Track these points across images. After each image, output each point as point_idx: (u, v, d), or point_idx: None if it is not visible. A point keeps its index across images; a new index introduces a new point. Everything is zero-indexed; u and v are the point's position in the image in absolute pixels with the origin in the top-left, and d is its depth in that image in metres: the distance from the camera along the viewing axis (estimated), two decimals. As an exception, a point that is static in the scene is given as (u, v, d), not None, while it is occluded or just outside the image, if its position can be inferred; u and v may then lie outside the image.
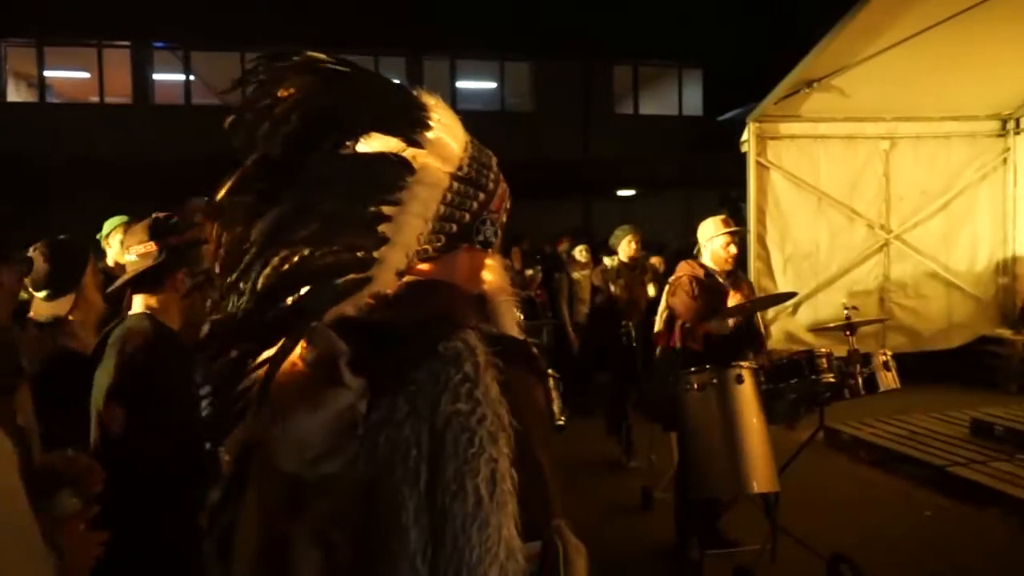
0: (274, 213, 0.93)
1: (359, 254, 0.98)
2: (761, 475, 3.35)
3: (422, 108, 1.05)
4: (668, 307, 4.04)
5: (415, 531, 0.86)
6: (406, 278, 1.05)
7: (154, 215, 2.18)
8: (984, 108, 7.75)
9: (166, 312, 2.09)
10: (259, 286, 0.94)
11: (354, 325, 0.96)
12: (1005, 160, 7.95)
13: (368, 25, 14.40)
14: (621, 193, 17.06)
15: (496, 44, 16.14)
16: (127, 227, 4.01)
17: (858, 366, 3.60)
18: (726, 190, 11.35)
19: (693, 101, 18.31)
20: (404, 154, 1.02)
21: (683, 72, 18.30)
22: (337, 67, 0.99)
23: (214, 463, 1.96)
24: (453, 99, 16.55)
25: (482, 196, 1.10)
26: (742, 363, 3.47)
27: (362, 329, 0.95)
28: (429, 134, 1.04)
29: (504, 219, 1.16)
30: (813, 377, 3.53)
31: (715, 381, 3.42)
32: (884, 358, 3.70)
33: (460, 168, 1.08)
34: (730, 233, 3.97)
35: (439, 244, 1.07)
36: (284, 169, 0.95)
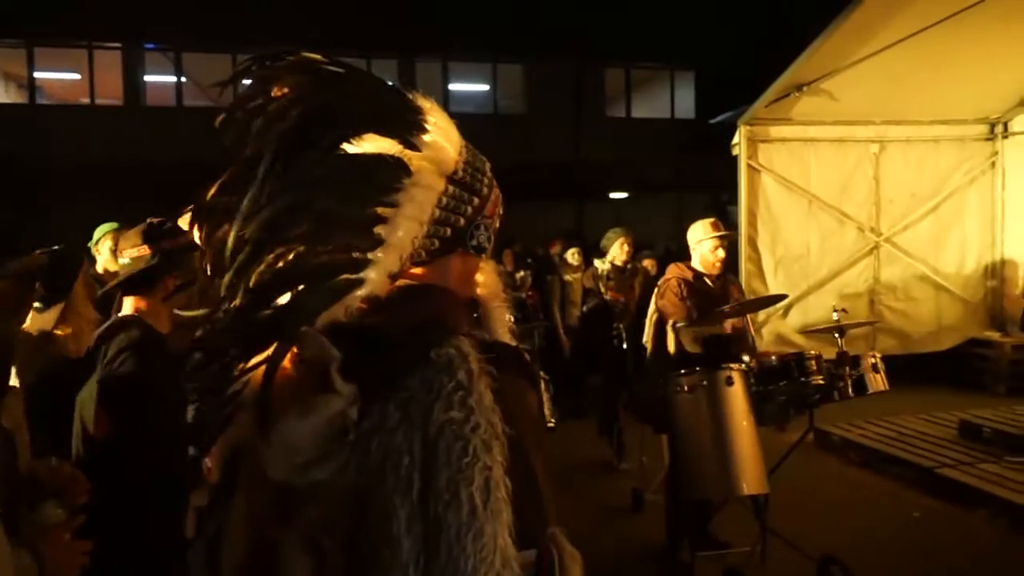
0: (269, 210, 0.92)
1: (354, 255, 0.97)
2: (751, 477, 3.36)
3: (418, 111, 1.05)
4: (657, 310, 4.06)
5: (407, 540, 0.86)
6: (399, 281, 1.05)
7: (149, 220, 2.18)
8: (972, 112, 7.82)
9: (155, 316, 2.09)
10: (252, 283, 0.93)
11: (346, 330, 0.95)
12: (993, 164, 8.02)
13: (361, 26, 14.39)
14: (613, 195, 17.12)
15: (489, 46, 16.17)
16: (116, 234, 4.00)
17: (847, 368, 3.61)
18: (718, 193, 11.42)
19: (685, 104, 18.39)
20: (400, 156, 1.02)
21: (675, 75, 18.37)
22: (333, 67, 0.99)
23: (197, 470, 1.96)
24: (445, 101, 16.55)
25: (476, 201, 1.10)
26: (732, 365, 3.49)
27: (354, 334, 0.94)
28: (425, 137, 1.04)
29: (497, 225, 1.16)
30: (802, 379, 3.55)
31: (705, 383, 3.44)
32: (873, 360, 3.72)
33: (456, 172, 1.07)
34: (719, 237, 3.99)
35: (433, 248, 1.06)
36: (277, 168, 0.94)
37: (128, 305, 2.11)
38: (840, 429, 5.97)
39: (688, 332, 3.81)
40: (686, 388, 3.46)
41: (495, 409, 0.91)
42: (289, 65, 0.98)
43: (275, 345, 0.92)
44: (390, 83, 1.09)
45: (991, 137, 8.03)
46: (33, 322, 2.15)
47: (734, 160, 7.45)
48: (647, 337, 4.13)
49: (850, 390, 3.62)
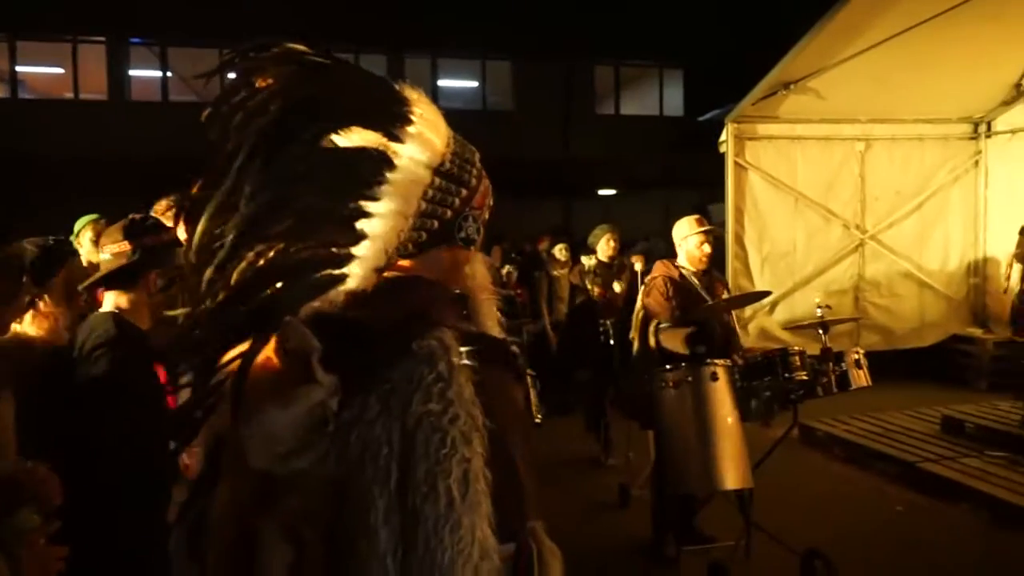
0: (249, 207, 0.91)
1: (335, 250, 0.97)
2: (735, 472, 3.39)
3: (404, 102, 1.04)
4: (643, 307, 4.08)
5: (384, 531, 0.86)
6: (386, 274, 1.04)
7: (131, 216, 2.17)
8: (956, 111, 7.89)
9: (136, 312, 2.07)
10: (232, 281, 0.93)
11: (329, 321, 0.95)
12: (976, 163, 8.10)
13: (349, 22, 14.31)
14: (602, 192, 17.14)
15: (478, 43, 16.14)
16: (96, 225, 3.97)
17: (831, 364, 3.65)
18: (707, 190, 11.45)
19: (674, 101, 18.43)
20: (385, 149, 1.00)
21: (664, 72, 18.41)
22: (318, 59, 0.98)
23: (175, 464, 1.95)
24: (434, 97, 16.13)
25: (464, 192, 1.09)
26: (716, 361, 3.51)
27: (337, 326, 0.94)
28: (411, 129, 1.03)
29: (487, 216, 1.15)
30: (786, 375, 3.57)
31: (690, 379, 3.46)
32: (856, 356, 3.75)
33: (442, 164, 1.06)
34: (704, 232, 4.01)
35: (420, 240, 1.05)
36: (258, 161, 0.93)
37: (109, 301, 2.09)
38: (825, 424, 6.02)
39: (670, 333, 3.83)
40: (671, 384, 3.48)
41: (475, 401, 0.91)
42: (273, 56, 0.96)
43: (253, 337, 0.92)
44: (379, 75, 1.08)
45: (975, 136, 8.11)
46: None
47: (722, 157, 7.48)
48: (633, 333, 4.15)
49: (834, 386, 3.65)
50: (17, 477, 1.47)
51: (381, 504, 0.86)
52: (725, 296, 4.12)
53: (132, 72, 15.81)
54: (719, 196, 7.86)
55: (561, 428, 5.99)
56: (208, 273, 0.93)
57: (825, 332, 3.77)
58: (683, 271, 4.03)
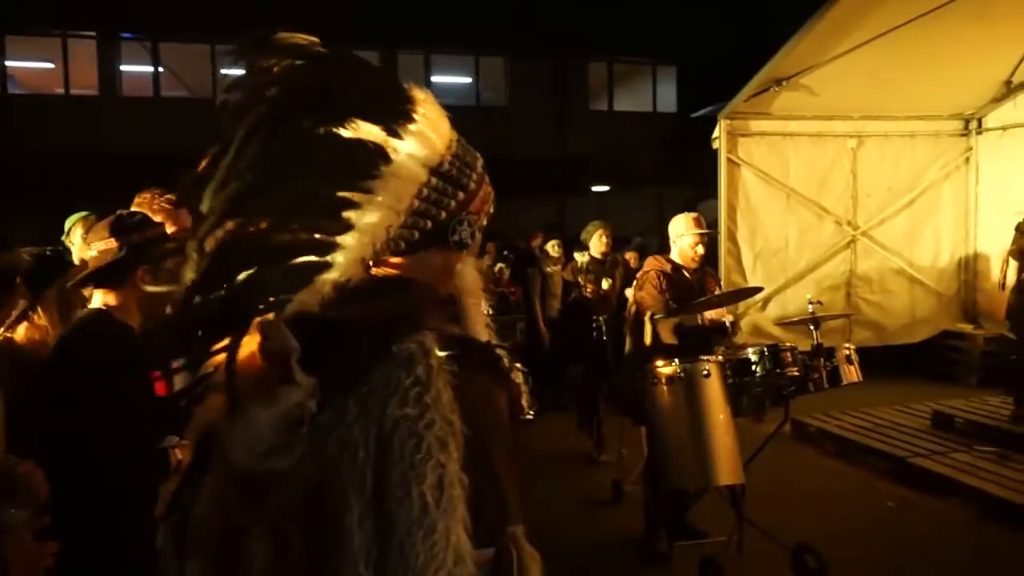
0: (236, 184, 0.92)
1: (318, 236, 0.96)
2: (727, 467, 3.41)
3: (408, 100, 1.03)
4: (635, 302, 4.10)
5: (359, 535, 0.86)
6: (375, 270, 1.04)
7: (118, 212, 2.16)
8: (947, 108, 7.92)
9: (125, 309, 2.06)
10: (210, 248, 0.92)
11: (311, 322, 0.95)
12: (967, 159, 8.13)
13: (342, 17, 14.24)
14: (595, 189, 17.16)
15: (471, 39, 16.11)
16: (87, 221, 3.94)
17: (822, 360, 3.66)
18: (700, 186, 11.48)
19: (667, 98, 18.45)
20: (383, 144, 1.00)
21: (658, 69, 18.43)
22: (319, 50, 0.98)
23: (165, 461, 1.95)
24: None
25: (462, 196, 1.08)
26: (708, 357, 3.53)
27: (319, 327, 0.94)
28: (412, 127, 1.02)
29: (484, 222, 1.14)
30: (777, 371, 3.59)
31: (682, 375, 3.47)
32: (847, 352, 3.77)
33: (441, 165, 1.06)
34: (700, 234, 4.03)
35: (413, 239, 1.05)
36: (255, 144, 0.93)
37: (97, 299, 2.09)
38: (816, 420, 6.05)
39: (666, 323, 3.84)
40: (663, 380, 3.49)
41: (454, 407, 0.91)
42: (280, 47, 0.96)
43: (235, 329, 0.92)
44: (386, 71, 1.07)
45: (965, 133, 8.15)
46: None
47: (715, 154, 7.50)
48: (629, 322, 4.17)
49: (825, 381, 3.67)
50: (2, 473, 1.45)
51: (356, 507, 0.87)
52: (717, 292, 4.14)
53: (124, 67, 15.72)
54: (712, 192, 7.87)
55: (554, 424, 6.01)
56: (193, 254, 0.93)
57: (816, 328, 3.79)
58: (675, 265, 4.05)
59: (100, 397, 1.89)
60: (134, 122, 14.11)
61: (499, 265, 7.92)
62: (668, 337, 3.83)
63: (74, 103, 15.24)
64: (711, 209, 7.95)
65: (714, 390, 3.46)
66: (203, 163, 0.95)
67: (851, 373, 3.73)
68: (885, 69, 6.82)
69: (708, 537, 3.80)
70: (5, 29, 14.68)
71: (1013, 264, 6.23)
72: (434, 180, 1.05)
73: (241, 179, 0.92)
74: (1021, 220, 6.19)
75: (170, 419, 1.87)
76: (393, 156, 1.00)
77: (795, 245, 7.73)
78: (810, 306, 3.89)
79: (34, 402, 1.93)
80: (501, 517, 0.95)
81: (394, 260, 1.07)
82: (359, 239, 0.99)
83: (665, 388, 3.48)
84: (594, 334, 5.68)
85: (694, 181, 12.14)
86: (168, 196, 2.70)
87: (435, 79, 17.18)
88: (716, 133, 7.45)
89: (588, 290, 5.92)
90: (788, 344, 3.71)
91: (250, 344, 0.94)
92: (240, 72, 0.97)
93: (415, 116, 1.03)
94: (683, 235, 4.05)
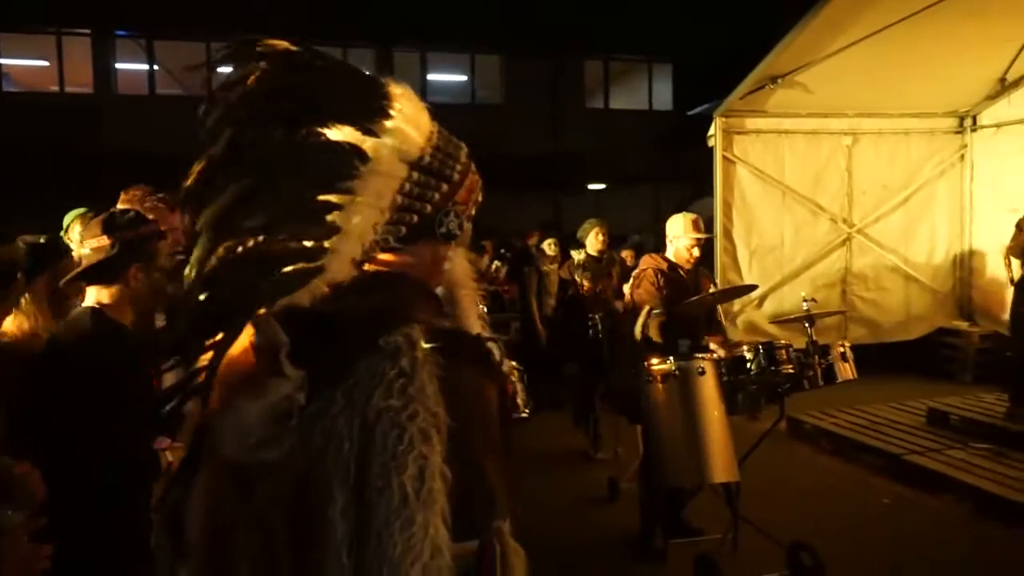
0: (220, 201, 0.92)
1: (307, 244, 0.97)
2: (722, 465, 3.42)
3: (384, 97, 1.03)
4: (632, 300, 4.10)
5: (342, 525, 0.87)
6: (366, 267, 1.05)
7: (111, 209, 2.15)
8: (942, 105, 7.94)
9: (118, 307, 2.06)
10: (204, 273, 0.93)
11: (301, 316, 0.96)
12: (962, 156, 8.16)
13: (337, 15, 14.23)
14: (591, 187, 17.15)
15: (467, 37, 16.08)
16: (84, 219, 3.93)
17: (816, 357, 3.67)
18: (696, 184, 11.49)
19: (663, 96, 18.45)
20: (360, 143, 1.00)
21: (653, 67, 18.42)
22: (296, 54, 0.98)
23: (157, 461, 1.94)
24: (423, 91, 16.33)
25: (446, 187, 1.08)
26: (703, 355, 3.53)
27: (308, 320, 0.95)
28: (388, 123, 1.03)
29: (472, 212, 1.14)
30: (772, 368, 3.60)
31: (677, 373, 3.48)
32: (842, 349, 3.77)
33: (421, 159, 1.06)
34: (697, 239, 4.06)
35: (400, 234, 1.05)
36: (231, 155, 0.94)
37: (90, 296, 2.08)
38: (812, 417, 6.06)
39: (657, 321, 3.85)
40: (658, 378, 3.50)
41: (439, 399, 0.92)
42: (253, 53, 0.97)
43: (226, 330, 0.93)
44: (362, 70, 1.07)
45: (960, 130, 8.17)
46: None
47: (711, 152, 7.51)
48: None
49: (820, 379, 3.68)
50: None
51: (340, 498, 0.88)
52: (712, 290, 4.15)
53: (119, 65, 15.67)
54: (708, 190, 7.89)
55: (551, 422, 6.01)
56: (187, 270, 0.94)
57: (811, 325, 3.79)
58: (671, 263, 4.06)
59: (91, 395, 1.88)
60: (129, 120, 14.06)
61: (496, 263, 7.91)
62: (656, 335, 3.83)
63: (69, 101, 15.18)
64: (706, 207, 7.97)
65: (709, 387, 3.46)
66: (191, 179, 0.96)
67: (846, 370, 3.74)
68: (880, 66, 6.83)
69: (704, 534, 3.81)
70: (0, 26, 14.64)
71: (1016, 262, 6.23)
72: (415, 174, 1.05)
73: (224, 194, 0.93)
74: (1022, 217, 6.18)
75: (161, 419, 1.85)
76: (370, 154, 1.01)
77: (790, 243, 7.75)
78: (805, 303, 3.89)
79: (25, 400, 1.92)
80: (485, 511, 0.96)
81: (384, 256, 1.07)
82: (346, 240, 1.00)
83: (660, 386, 3.49)
84: (590, 332, 5.68)
85: (690, 179, 12.15)
86: (159, 195, 2.69)
87: (431, 77, 17.16)
88: (711, 131, 7.46)
89: (584, 288, 5.93)
90: (783, 342, 3.72)
91: (243, 339, 0.96)
92: (226, 77, 0.97)
93: (391, 112, 1.03)
94: (680, 236, 4.07)
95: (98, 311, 2.03)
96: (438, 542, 0.88)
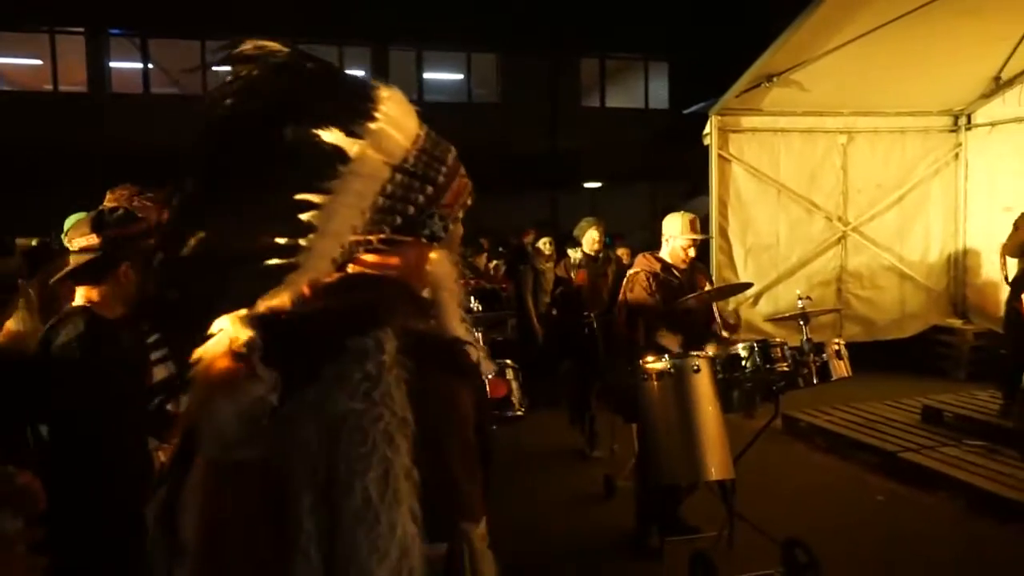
0: (188, 195, 0.95)
1: (280, 240, 0.98)
2: (717, 462, 3.42)
3: (369, 100, 1.04)
4: (626, 302, 4.10)
5: (310, 525, 0.88)
6: (350, 268, 1.05)
7: (100, 208, 2.15)
8: (937, 104, 7.96)
9: (108, 305, 2.05)
10: (174, 268, 0.96)
11: (276, 317, 0.97)
12: (957, 155, 8.18)
13: (333, 14, 14.20)
14: (587, 185, 17.16)
15: (463, 35, 16.07)
16: None
17: (811, 355, 3.68)
18: (692, 183, 11.51)
19: (659, 94, 18.47)
20: (343, 145, 1.01)
21: (649, 65, 18.44)
22: (289, 55, 0.99)
23: (150, 462, 1.94)
24: (420, 90, 16.42)
25: (430, 190, 1.08)
26: (698, 353, 3.54)
27: (283, 322, 0.97)
28: (372, 125, 1.03)
29: (459, 214, 1.14)
30: (767, 366, 3.60)
31: (672, 371, 3.48)
32: (837, 347, 3.79)
33: (405, 161, 1.06)
34: (694, 239, 4.06)
35: (383, 236, 1.06)
36: (212, 155, 0.96)
37: (80, 295, 2.08)
38: (807, 415, 6.08)
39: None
40: (653, 376, 3.50)
41: (405, 402, 0.92)
42: (239, 56, 0.98)
43: (204, 328, 0.96)
44: (352, 72, 1.09)
45: (955, 129, 8.19)
46: None
47: (707, 150, 7.52)
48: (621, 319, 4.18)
49: (814, 377, 3.69)
50: None
51: (307, 499, 0.89)
52: (707, 288, 4.16)
53: (113, 64, 15.62)
54: (704, 188, 7.89)
55: (546, 421, 6.02)
56: (157, 260, 0.96)
57: (806, 323, 3.80)
58: (665, 263, 4.06)
59: (83, 394, 1.88)
60: (123, 119, 14.02)
61: (495, 262, 7.91)
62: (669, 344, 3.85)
63: (63, 100, 15.13)
64: (701, 205, 7.98)
65: (704, 385, 3.47)
66: (183, 181, 0.97)
67: (841, 368, 3.75)
68: (875, 65, 6.85)
69: (699, 532, 3.82)
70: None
71: (1011, 260, 6.24)
72: (399, 176, 1.05)
73: (195, 191, 0.95)
74: (1021, 215, 6.18)
75: (151, 417, 1.86)
76: (352, 155, 1.01)
77: (786, 241, 7.77)
78: (800, 301, 3.90)
79: (17, 399, 1.92)
80: (454, 514, 0.97)
81: (368, 257, 1.08)
82: (323, 239, 1.00)
83: (655, 384, 3.49)
84: (585, 330, 5.68)
85: (686, 177, 12.16)
86: (148, 194, 2.69)
87: (427, 76, 17.15)
88: (707, 129, 7.47)
89: (576, 279, 5.94)
90: (778, 340, 3.73)
91: (225, 340, 0.97)
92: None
93: (376, 115, 1.03)
94: (676, 236, 4.07)
95: (89, 310, 2.03)
96: (406, 543, 0.89)
